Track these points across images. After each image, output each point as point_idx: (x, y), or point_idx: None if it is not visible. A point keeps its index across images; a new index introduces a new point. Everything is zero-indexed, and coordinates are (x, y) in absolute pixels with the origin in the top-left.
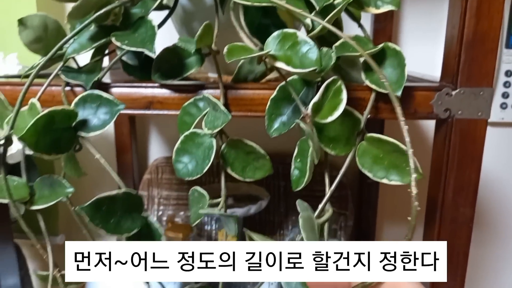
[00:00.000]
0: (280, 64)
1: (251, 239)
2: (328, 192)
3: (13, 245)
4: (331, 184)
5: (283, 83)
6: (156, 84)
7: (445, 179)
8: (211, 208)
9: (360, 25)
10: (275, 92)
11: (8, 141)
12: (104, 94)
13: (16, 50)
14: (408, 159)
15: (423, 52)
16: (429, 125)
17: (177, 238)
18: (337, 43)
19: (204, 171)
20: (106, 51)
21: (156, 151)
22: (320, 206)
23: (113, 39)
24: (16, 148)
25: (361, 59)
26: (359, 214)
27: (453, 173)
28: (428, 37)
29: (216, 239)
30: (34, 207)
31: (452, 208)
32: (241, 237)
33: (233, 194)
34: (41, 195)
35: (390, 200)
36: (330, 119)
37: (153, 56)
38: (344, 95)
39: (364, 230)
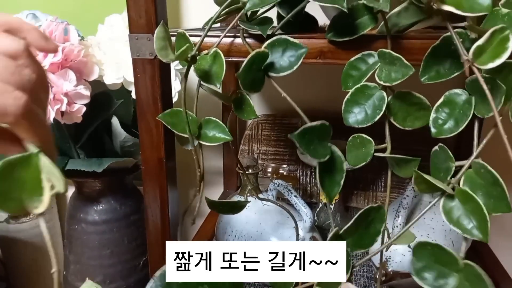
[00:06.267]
0: (448, 8)
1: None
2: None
3: (176, 190)
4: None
5: (448, 33)
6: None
7: None
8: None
9: None
10: (437, 41)
11: (193, 59)
12: (290, 39)
13: None
14: None
15: None
16: None
17: None
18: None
19: (375, 120)
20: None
21: (255, 109)
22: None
23: None
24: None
25: None
26: None
27: None
28: None
29: (311, 190)
30: (201, 142)
31: None
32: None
33: None
34: (205, 134)
35: None
36: (490, 65)
37: (345, 10)
38: (511, 45)
39: None
